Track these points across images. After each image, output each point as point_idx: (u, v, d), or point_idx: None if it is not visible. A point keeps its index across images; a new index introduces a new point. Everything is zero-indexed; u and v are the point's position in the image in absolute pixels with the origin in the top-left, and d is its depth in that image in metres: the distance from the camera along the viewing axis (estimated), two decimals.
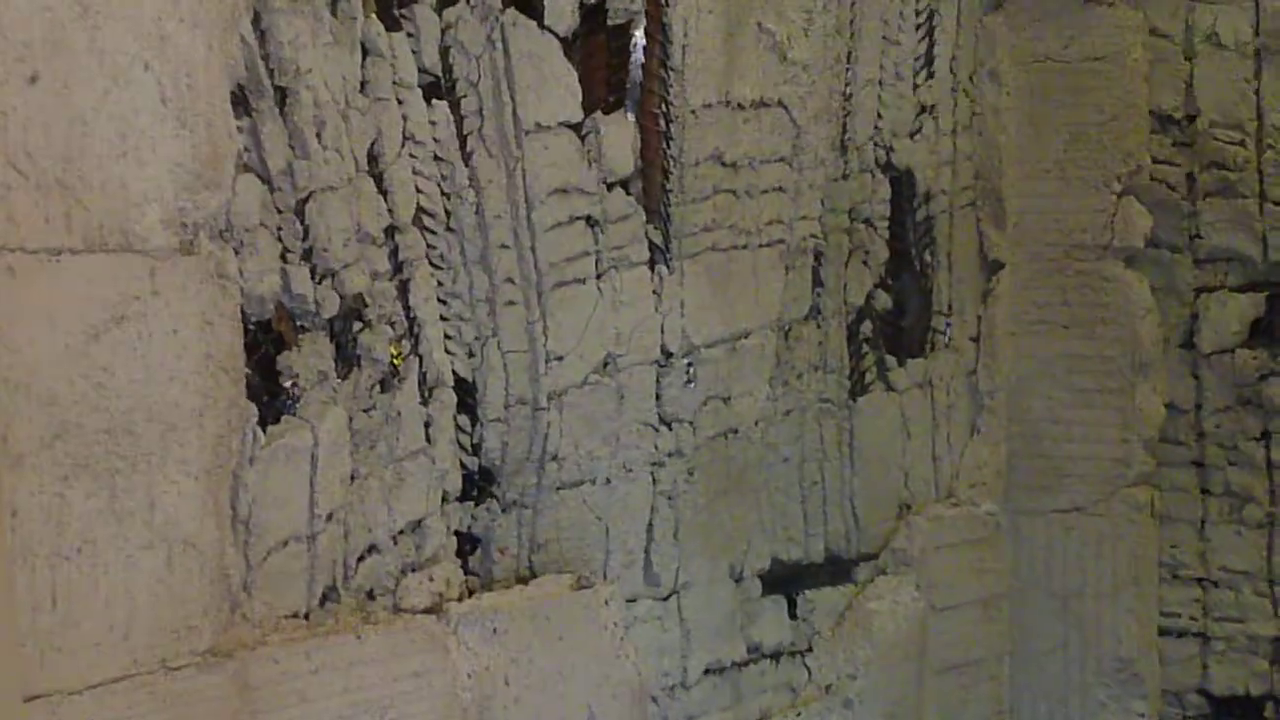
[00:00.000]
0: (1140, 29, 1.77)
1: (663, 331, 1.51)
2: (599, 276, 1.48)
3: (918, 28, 1.71)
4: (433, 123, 1.35)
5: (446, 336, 1.38)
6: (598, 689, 1.42)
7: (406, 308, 1.36)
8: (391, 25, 1.34)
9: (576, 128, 1.43)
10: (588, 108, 1.46)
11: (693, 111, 1.51)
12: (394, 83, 1.32)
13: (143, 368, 1.08)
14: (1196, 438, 1.82)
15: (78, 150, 1.06)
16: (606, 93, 1.48)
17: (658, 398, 1.53)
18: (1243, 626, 1.97)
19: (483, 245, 1.38)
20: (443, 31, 1.35)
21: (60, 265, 1.06)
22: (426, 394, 1.38)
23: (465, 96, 1.35)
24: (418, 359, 1.36)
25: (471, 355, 1.40)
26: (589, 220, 1.48)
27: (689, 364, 1.56)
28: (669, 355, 1.53)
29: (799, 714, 1.63)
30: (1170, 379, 1.85)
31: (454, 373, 1.39)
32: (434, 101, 1.36)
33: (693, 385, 1.56)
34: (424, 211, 1.35)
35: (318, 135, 1.25)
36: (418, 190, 1.35)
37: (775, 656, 1.60)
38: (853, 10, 1.63)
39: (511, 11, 1.37)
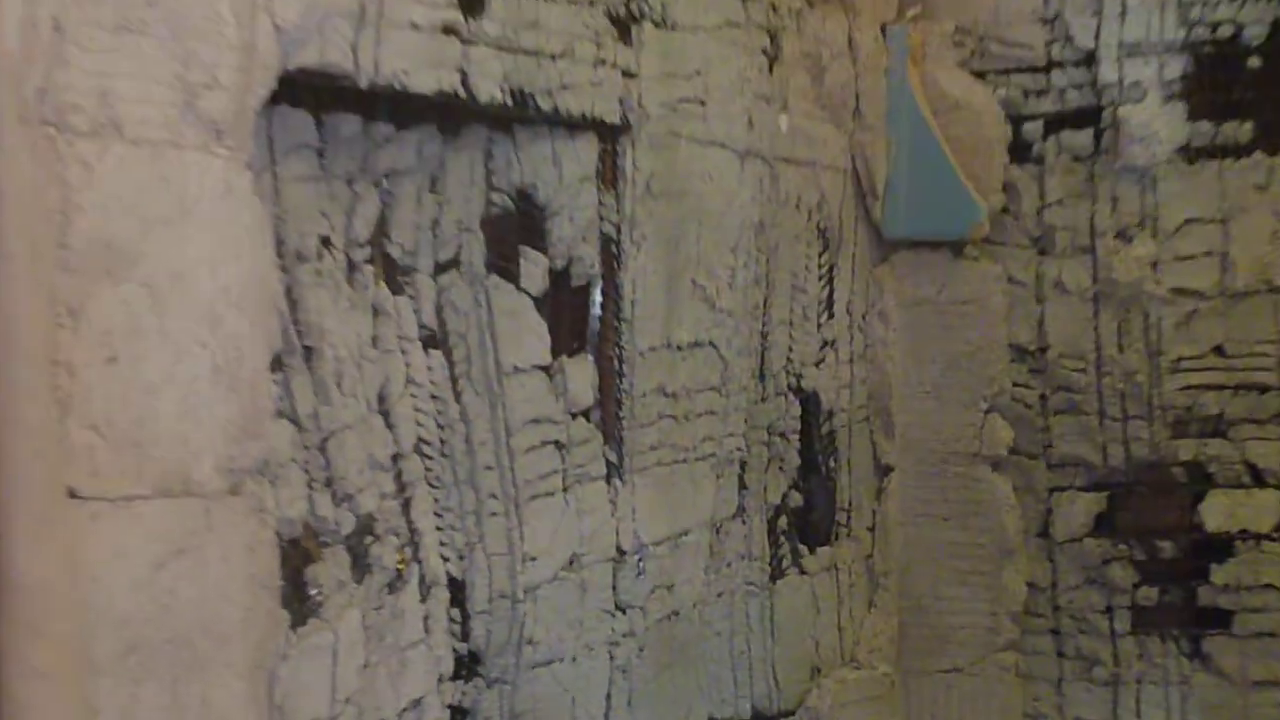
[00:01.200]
0: (1000, 278, 1.78)
1: (617, 534, 1.49)
2: (565, 490, 1.47)
3: (820, 278, 1.74)
4: (429, 368, 1.34)
5: (441, 544, 1.36)
6: None
7: (408, 521, 1.35)
8: (396, 290, 1.34)
9: (547, 369, 1.42)
10: (555, 352, 1.45)
11: (640, 353, 1.52)
12: (398, 337, 1.32)
13: (199, 590, 1.07)
14: (1053, 610, 1.82)
15: (149, 415, 1.06)
16: (571, 340, 1.48)
17: (614, 588, 1.52)
18: None
19: (470, 467, 1.37)
20: (438, 294, 1.36)
21: (132, 509, 1.05)
22: (425, 592, 1.36)
23: (456, 346, 1.36)
24: (418, 564, 1.33)
25: (462, 558, 1.39)
26: (557, 444, 1.47)
27: (639, 559, 1.56)
28: (623, 553, 1.53)
29: None
30: (1030, 562, 1.85)
31: (447, 573, 1.37)
32: (430, 351, 1.37)
33: (642, 577, 1.56)
34: (423, 441, 1.34)
35: (338, 384, 1.25)
36: (417, 424, 1.34)
37: None
38: (767, 265, 1.65)
39: (494, 277, 1.38)
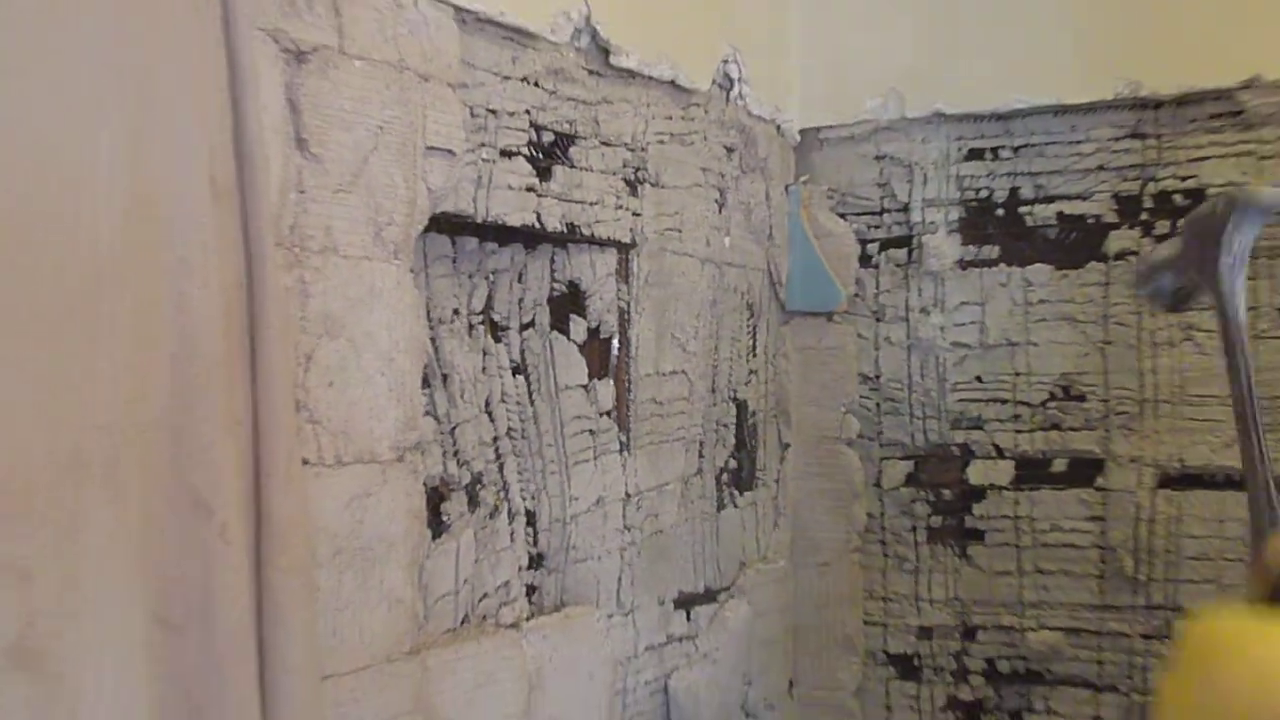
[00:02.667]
0: (853, 335, 1.74)
1: (625, 485, 1.49)
2: (595, 459, 1.45)
3: (748, 333, 1.70)
4: (516, 387, 1.34)
5: (521, 490, 1.37)
6: (592, 659, 1.40)
7: (501, 477, 1.34)
8: (497, 340, 1.33)
9: (585, 387, 1.41)
10: (590, 377, 1.44)
11: (641, 377, 1.50)
12: (498, 367, 1.31)
13: (378, 517, 1.07)
14: (880, 530, 1.79)
15: (350, 416, 1.06)
16: (600, 369, 1.47)
17: (623, 516, 1.50)
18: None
19: (539, 445, 1.37)
20: (521, 343, 1.35)
21: (339, 470, 1.06)
22: (511, 519, 1.36)
23: (532, 373, 1.34)
24: (507, 503, 1.34)
25: (534, 499, 1.38)
26: (591, 432, 1.45)
27: (638, 500, 1.53)
28: (629, 496, 1.51)
29: (691, 669, 1.59)
30: (868, 502, 1.81)
31: (525, 508, 1.37)
32: (517, 376, 1.35)
33: (640, 510, 1.53)
34: (510, 430, 1.34)
35: (461, 396, 1.24)
36: (507, 420, 1.34)
37: (680, 640, 1.58)
38: (717, 326, 1.62)
39: (555, 333, 1.36)
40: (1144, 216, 1.63)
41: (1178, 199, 1.61)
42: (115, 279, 0.79)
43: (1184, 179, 1.59)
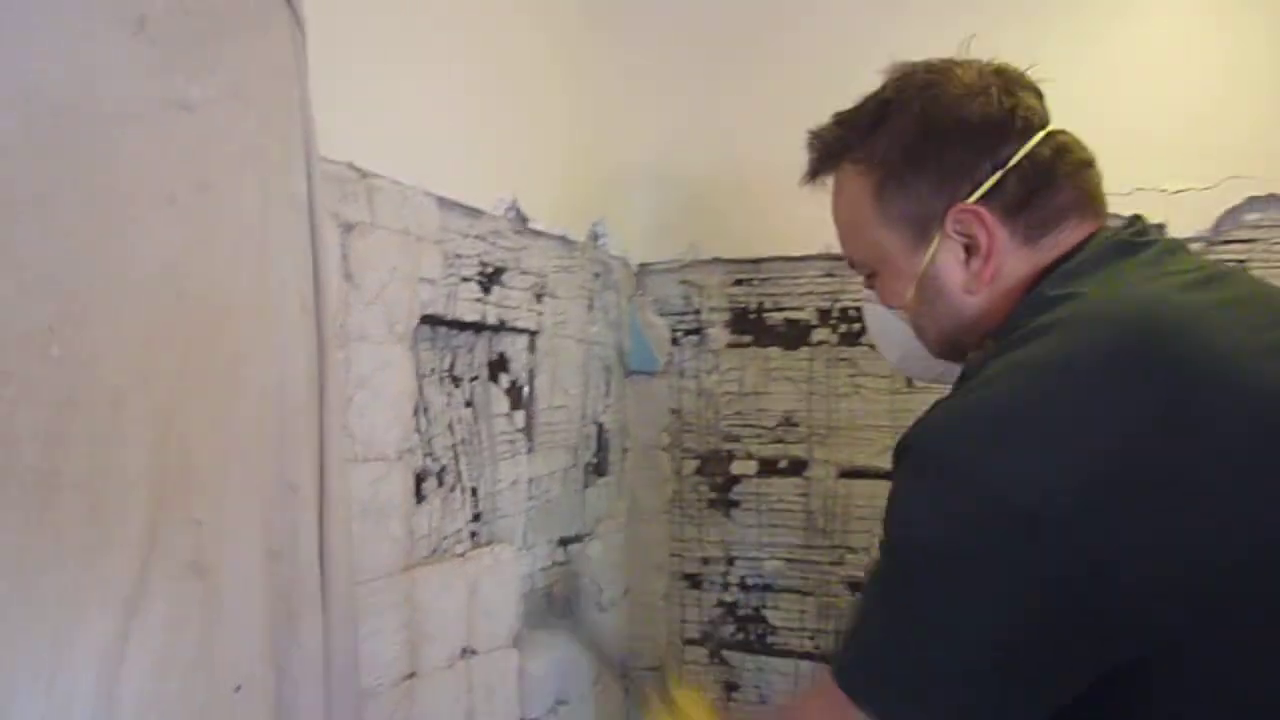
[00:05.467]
0: (665, 385, 1.65)
1: (529, 472, 1.41)
2: (512, 457, 1.38)
3: (605, 383, 1.61)
4: (467, 416, 1.27)
5: (469, 476, 1.28)
6: (508, 574, 1.34)
7: (458, 468, 1.25)
8: (456, 386, 1.25)
9: (507, 415, 1.35)
10: (510, 409, 1.36)
11: (541, 409, 1.43)
12: (457, 403, 1.28)
13: (387, 492, 1.07)
14: (681, 501, 1.69)
15: (370, 432, 1.05)
16: (516, 404, 1.38)
17: (528, 491, 1.42)
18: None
19: (480, 449, 1.31)
20: (471, 389, 1.30)
21: (365, 465, 1.05)
22: (462, 492, 1.27)
23: (477, 406, 1.30)
24: (460, 483, 1.25)
25: (476, 480, 1.29)
26: (510, 441, 1.36)
27: (537, 482, 1.44)
28: (531, 479, 1.43)
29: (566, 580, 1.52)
30: (674, 484, 1.70)
31: (471, 486, 1.27)
32: (467, 408, 1.28)
33: (538, 487, 1.44)
34: (463, 440, 1.27)
35: (434, 420, 1.22)
36: (463, 433, 1.28)
37: (561, 564, 1.51)
38: (586, 379, 1.55)
39: (491, 383, 1.31)
40: (832, 321, 1.63)
41: (851, 313, 1.63)
42: (253, 357, 0.84)
43: (855, 300, 1.60)
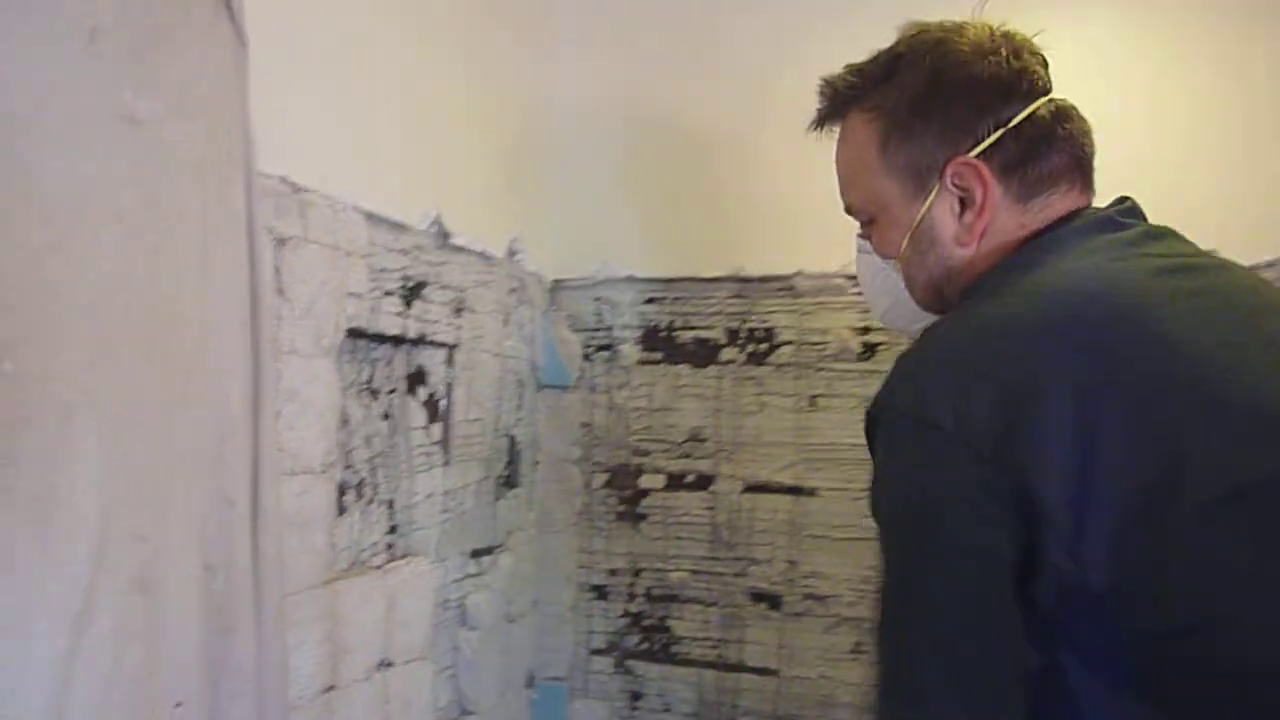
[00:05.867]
0: (577, 400, 1.67)
1: (444, 485, 1.40)
2: (429, 470, 1.37)
3: (518, 397, 1.61)
4: (385, 429, 1.26)
5: (387, 489, 1.25)
6: (423, 586, 1.34)
7: (376, 481, 1.23)
8: (376, 399, 1.24)
9: (424, 428, 1.34)
10: (428, 422, 1.35)
11: (457, 422, 1.41)
12: (376, 416, 1.24)
13: (312, 501, 1.03)
14: (590, 512, 1.67)
15: (299, 446, 1.00)
16: (433, 417, 1.37)
17: (442, 503, 1.39)
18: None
19: (397, 462, 1.29)
20: (389, 400, 1.28)
21: (291, 478, 1.02)
22: (380, 505, 1.25)
23: (395, 419, 1.25)
24: (378, 495, 1.24)
25: (393, 493, 1.27)
26: (427, 454, 1.37)
27: (451, 494, 1.42)
28: (446, 492, 1.40)
29: (478, 592, 1.50)
30: (584, 496, 1.70)
31: (388, 499, 1.25)
32: (385, 420, 1.26)
33: (453, 499, 1.42)
34: (381, 453, 1.24)
35: (355, 433, 1.21)
36: (380, 446, 1.26)
37: (474, 575, 1.50)
38: (500, 393, 1.52)
39: (408, 396, 1.29)
40: (740, 341, 1.68)
41: (758, 333, 1.68)
42: (196, 372, 0.83)
43: (762, 321, 1.66)
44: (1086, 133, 0.81)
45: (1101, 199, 0.81)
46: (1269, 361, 0.65)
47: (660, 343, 1.69)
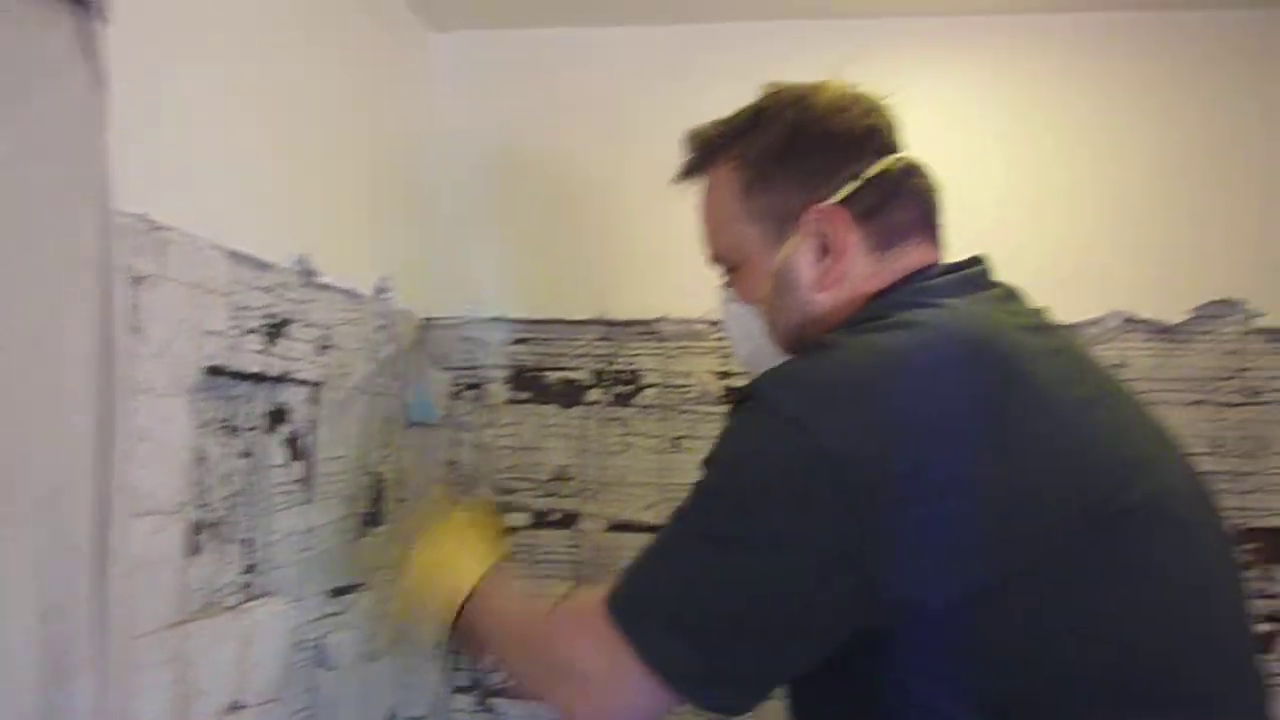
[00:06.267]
0: (445, 438, 1.66)
1: (306, 523, 1.37)
2: (289, 509, 1.34)
3: (384, 434, 1.58)
4: (244, 466, 1.22)
5: (244, 528, 1.22)
6: (282, 626, 1.30)
7: (233, 520, 1.21)
8: (235, 436, 1.21)
9: (285, 466, 1.33)
10: (289, 460, 1.33)
11: (320, 460, 1.38)
12: (234, 454, 1.20)
13: (165, 544, 1.00)
14: None
15: (152, 484, 0.98)
16: (295, 455, 1.35)
17: (304, 542, 1.36)
18: None
19: (256, 500, 1.25)
20: (249, 438, 1.25)
21: (142, 519, 0.99)
22: (237, 544, 1.22)
23: (254, 456, 1.22)
24: (236, 534, 1.20)
25: (251, 532, 1.23)
26: (287, 492, 1.33)
27: (313, 533, 1.40)
28: (307, 530, 1.37)
29: (337, 632, 1.47)
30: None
31: (246, 537, 1.22)
32: (244, 459, 1.22)
33: (313, 538, 1.39)
34: (239, 491, 1.20)
35: (211, 471, 1.15)
36: (238, 484, 1.22)
37: (333, 614, 1.45)
38: (367, 429, 1.50)
39: (269, 434, 1.26)
40: (605, 382, 1.73)
41: (624, 375, 1.73)
42: (36, 417, 0.82)
43: (628, 364, 1.71)
44: (934, 189, 0.87)
45: (961, 254, 0.88)
46: (1120, 418, 0.73)
47: (528, 383, 1.72)
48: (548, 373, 1.74)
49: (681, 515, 0.74)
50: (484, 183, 1.64)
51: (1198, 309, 1.39)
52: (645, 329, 1.60)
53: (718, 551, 0.69)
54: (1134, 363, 1.38)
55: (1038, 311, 0.80)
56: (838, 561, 0.65)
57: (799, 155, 0.84)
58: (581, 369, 1.74)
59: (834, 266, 0.82)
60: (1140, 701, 0.64)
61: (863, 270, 0.83)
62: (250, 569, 1.34)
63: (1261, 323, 1.38)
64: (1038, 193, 1.42)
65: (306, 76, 1.25)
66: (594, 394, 1.64)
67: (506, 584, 0.93)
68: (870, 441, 0.65)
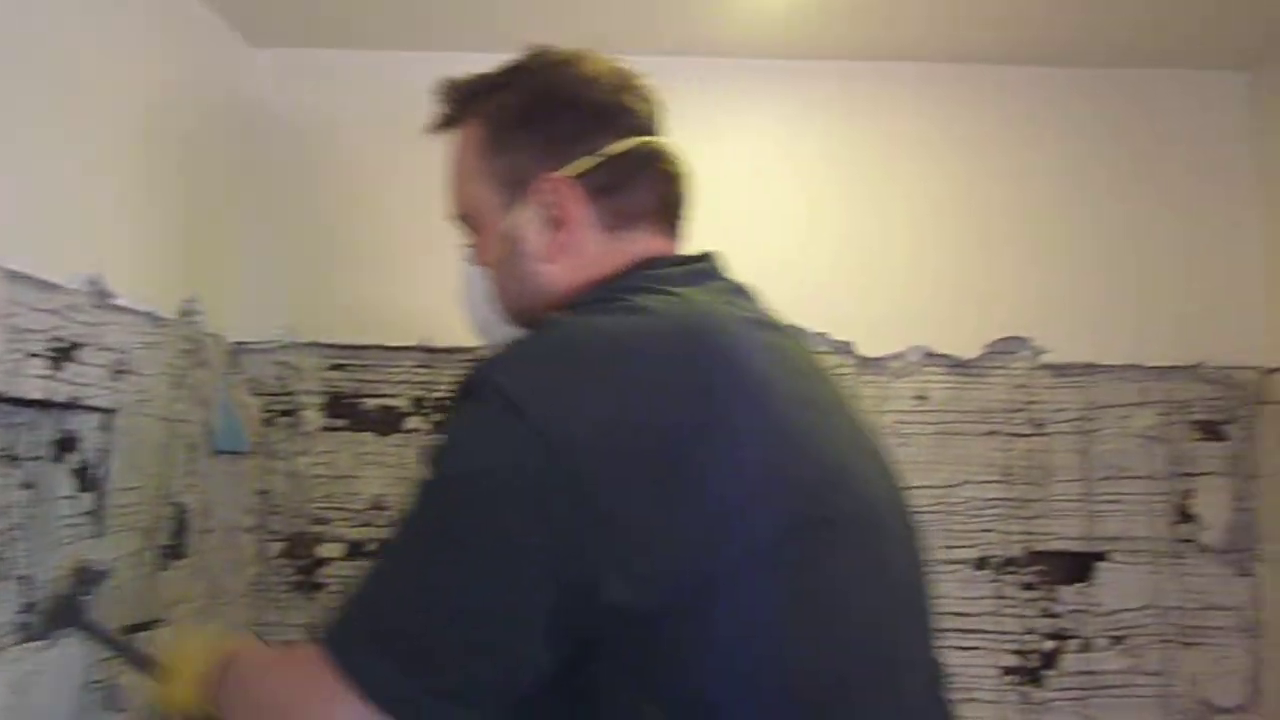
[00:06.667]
0: (255, 466, 1.63)
1: (99, 552, 1.31)
2: (77, 542, 1.27)
3: (188, 463, 1.51)
4: (26, 498, 1.17)
5: (25, 562, 1.16)
6: (69, 671, 1.22)
7: (13, 554, 1.14)
8: (16, 466, 1.15)
9: (73, 498, 1.26)
10: (79, 491, 1.26)
11: (112, 490, 1.32)
12: (15, 485, 1.15)
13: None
14: (264, 583, 1.62)
15: None
16: (84, 486, 1.29)
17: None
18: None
19: (40, 534, 1.19)
20: (33, 469, 1.20)
21: None
22: (16, 581, 1.16)
23: (39, 488, 1.16)
24: (15, 570, 1.14)
25: (31, 568, 1.18)
26: (75, 525, 1.26)
27: (105, 567, 1.33)
28: (101, 573, 1.30)
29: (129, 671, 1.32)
30: (258, 565, 1.63)
31: (26, 574, 1.16)
32: (27, 489, 1.15)
33: (104, 572, 1.32)
34: (20, 523, 1.15)
35: None
36: (18, 517, 1.16)
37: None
38: (167, 458, 1.45)
39: (56, 463, 1.21)
40: (425, 410, 1.70)
41: (445, 403, 1.67)
42: None
43: (450, 391, 1.70)
44: (680, 179, 0.85)
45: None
46: (831, 423, 0.73)
47: (344, 409, 1.69)
48: (366, 399, 1.64)
49: (399, 522, 0.71)
50: (301, 202, 1.60)
51: (990, 345, 1.46)
52: (467, 356, 1.56)
53: (428, 558, 0.67)
54: (934, 394, 1.44)
55: (760, 308, 0.80)
56: (552, 561, 0.63)
57: (542, 120, 0.82)
58: (400, 396, 1.64)
59: (563, 238, 0.81)
60: None
61: (594, 250, 0.82)
62: (29, 607, 1.26)
63: (1046, 359, 1.45)
64: (846, 233, 1.48)
65: (102, 85, 1.19)
66: (413, 421, 1.62)
67: (246, 651, 0.87)
68: (588, 429, 0.64)
